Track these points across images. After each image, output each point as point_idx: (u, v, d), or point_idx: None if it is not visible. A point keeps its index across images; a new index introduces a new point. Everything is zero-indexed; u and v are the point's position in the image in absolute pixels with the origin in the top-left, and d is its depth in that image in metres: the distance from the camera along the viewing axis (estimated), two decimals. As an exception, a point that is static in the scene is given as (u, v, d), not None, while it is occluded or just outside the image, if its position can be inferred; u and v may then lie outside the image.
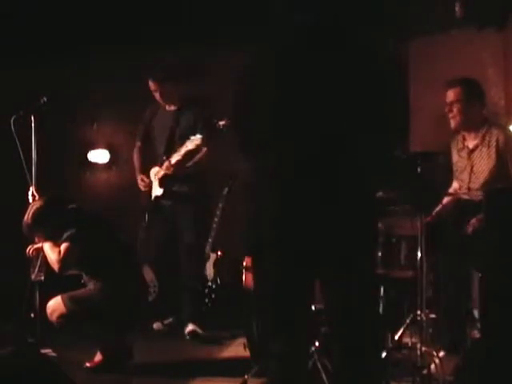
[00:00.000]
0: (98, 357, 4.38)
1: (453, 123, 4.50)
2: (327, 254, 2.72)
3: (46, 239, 4.42)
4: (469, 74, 4.75)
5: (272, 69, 2.76)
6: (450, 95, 4.46)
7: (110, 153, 6.92)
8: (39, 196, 4.67)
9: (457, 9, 4.95)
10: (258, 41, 2.84)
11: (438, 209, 4.51)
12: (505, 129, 4.52)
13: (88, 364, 4.37)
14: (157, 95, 5.37)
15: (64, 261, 4.29)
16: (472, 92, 4.46)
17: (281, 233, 2.71)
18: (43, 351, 4.38)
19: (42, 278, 4.53)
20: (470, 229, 4.23)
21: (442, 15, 5.33)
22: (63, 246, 4.30)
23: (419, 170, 3.77)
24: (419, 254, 3.76)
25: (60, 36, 5.81)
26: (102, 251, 4.37)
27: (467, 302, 4.32)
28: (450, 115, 4.47)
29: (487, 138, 4.40)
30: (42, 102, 4.80)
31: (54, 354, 4.48)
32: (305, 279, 2.79)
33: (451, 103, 4.46)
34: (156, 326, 5.46)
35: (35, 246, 4.51)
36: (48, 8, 5.63)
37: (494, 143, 4.37)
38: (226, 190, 5.78)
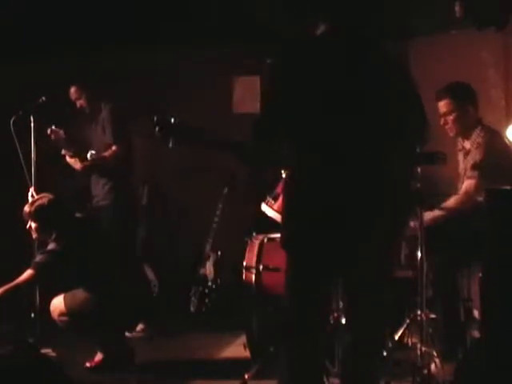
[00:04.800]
0: (98, 357, 4.39)
1: (451, 133, 4.39)
2: (352, 257, 2.82)
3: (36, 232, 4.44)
4: (469, 73, 4.73)
5: (300, 72, 2.77)
6: (442, 108, 4.32)
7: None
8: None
9: (457, 9, 4.93)
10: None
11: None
12: (487, 127, 4.30)
13: (88, 364, 4.38)
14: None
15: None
16: (462, 98, 4.31)
17: (314, 231, 2.78)
18: (43, 351, 4.38)
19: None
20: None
21: (442, 15, 5.32)
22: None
23: (419, 169, 3.78)
24: (419, 254, 3.77)
25: (60, 36, 5.81)
26: (99, 255, 4.35)
27: (467, 302, 4.31)
28: (446, 127, 4.34)
29: (475, 140, 4.26)
30: (41, 101, 4.80)
31: (53, 354, 4.49)
32: (331, 279, 2.95)
33: (444, 115, 4.32)
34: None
35: None
36: (48, 8, 5.62)
37: (476, 145, 4.22)
38: (226, 189, 5.78)
